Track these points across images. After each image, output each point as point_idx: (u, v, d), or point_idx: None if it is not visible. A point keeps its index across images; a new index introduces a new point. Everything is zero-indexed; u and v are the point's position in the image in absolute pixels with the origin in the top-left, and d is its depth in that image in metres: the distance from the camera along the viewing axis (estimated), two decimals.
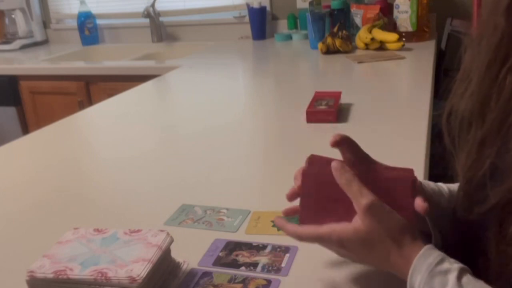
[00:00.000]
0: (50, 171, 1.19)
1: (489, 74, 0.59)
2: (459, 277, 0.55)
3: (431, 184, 0.73)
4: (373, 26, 2.19)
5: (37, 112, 2.58)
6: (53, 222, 0.93)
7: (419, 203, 0.62)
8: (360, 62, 1.99)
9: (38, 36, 3.17)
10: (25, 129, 2.59)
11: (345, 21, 2.31)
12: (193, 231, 0.85)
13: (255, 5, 2.64)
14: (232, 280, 0.71)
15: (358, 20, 2.30)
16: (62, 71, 2.50)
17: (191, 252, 0.77)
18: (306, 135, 1.26)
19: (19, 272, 0.66)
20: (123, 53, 2.79)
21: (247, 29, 2.75)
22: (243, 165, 1.13)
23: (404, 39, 2.18)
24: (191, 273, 0.73)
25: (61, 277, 0.63)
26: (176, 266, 0.72)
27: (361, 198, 0.60)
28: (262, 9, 2.65)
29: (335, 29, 2.17)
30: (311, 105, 1.35)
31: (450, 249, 0.62)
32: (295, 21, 2.68)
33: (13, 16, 3.12)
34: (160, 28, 2.93)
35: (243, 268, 0.73)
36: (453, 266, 0.56)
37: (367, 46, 2.17)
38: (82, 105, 2.34)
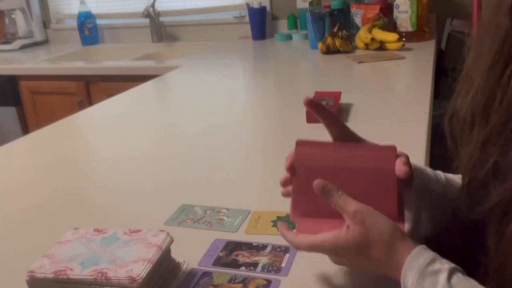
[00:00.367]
0: (50, 171, 1.19)
1: (492, 75, 0.59)
2: (449, 277, 0.55)
3: (428, 170, 0.73)
4: (373, 26, 2.19)
5: (37, 112, 2.58)
6: (53, 222, 0.93)
7: (400, 167, 0.63)
8: (360, 62, 1.99)
9: (38, 36, 3.17)
10: (25, 129, 2.58)
11: (345, 21, 2.31)
12: (193, 231, 0.85)
13: (255, 5, 2.64)
14: (232, 280, 0.71)
15: (358, 20, 2.30)
16: (62, 71, 2.50)
17: (191, 252, 0.77)
18: (306, 135, 1.25)
19: (19, 272, 0.66)
20: (123, 53, 2.79)
21: (247, 29, 2.75)
22: (243, 165, 1.13)
23: (404, 39, 2.18)
24: (191, 273, 0.73)
25: (61, 277, 0.63)
26: (176, 266, 0.72)
27: (347, 207, 0.61)
28: (262, 9, 2.65)
29: (335, 29, 2.17)
30: None
31: (450, 246, 0.62)
32: (295, 21, 2.68)
33: (13, 16, 3.12)
34: (160, 28, 2.93)
35: (243, 268, 0.73)
36: (443, 266, 0.56)
37: (367, 46, 2.17)
38: (82, 105, 2.34)
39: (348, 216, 0.60)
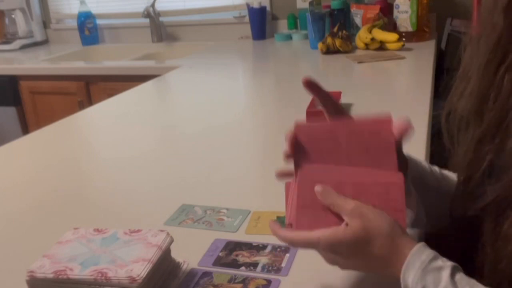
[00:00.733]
0: (50, 171, 1.19)
1: (487, 73, 0.59)
2: (453, 274, 0.55)
3: (424, 163, 0.74)
4: (373, 26, 2.19)
5: (37, 112, 2.58)
6: (53, 222, 0.93)
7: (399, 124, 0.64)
8: (360, 62, 1.99)
9: (38, 36, 3.17)
10: (25, 129, 2.58)
11: (345, 21, 2.31)
12: (193, 231, 0.85)
13: (255, 5, 2.64)
14: (232, 280, 0.71)
15: (358, 20, 2.30)
16: (62, 71, 2.50)
17: (191, 252, 0.77)
18: None
19: (19, 272, 0.66)
20: (123, 53, 2.79)
21: (247, 29, 2.75)
22: (243, 165, 1.13)
23: (404, 39, 2.18)
24: (191, 273, 0.73)
25: (61, 277, 0.63)
26: (176, 266, 0.72)
27: (346, 205, 0.60)
28: (262, 9, 2.65)
29: (335, 29, 2.17)
30: (311, 105, 1.35)
31: (445, 244, 0.62)
32: (295, 21, 2.68)
33: (13, 16, 3.12)
34: (160, 28, 2.93)
35: (243, 268, 0.73)
36: (446, 263, 0.56)
37: (367, 46, 2.17)
38: (82, 105, 2.34)
39: (346, 213, 0.59)
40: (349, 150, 0.64)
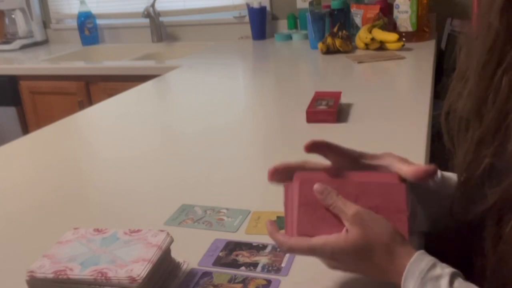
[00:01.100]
0: (50, 171, 1.19)
1: (484, 74, 0.59)
2: (451, 282, 0.55)
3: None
4: (373, 26, 2.19)
5: (37, 112, 2.58)
6: (53, 222, 0.93)
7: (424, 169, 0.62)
8: (360, 62, 1.99)
9: (38, 36, 3.17)
10: (25, 129, 2.58)
11: (345, 21, 2.31)
12: (193, 231, 0.85)
13: (255, 5, 2.64)
14: (232, 280, 0.71)
15: (358, 20, 2.30)
16: (62, 71, 2.50)
17: (191, 252, 0.77)
18: (306, 135, 1.26)
19: (19, 272, 0.66)
20: (123, 53, 2.79)
21: (247, 29, 2.75)
22: (243, 165, 1.13)
23: (404, 39, 2.18)
24: (191, 273, 0.73)
25: (61, 277, 0.63)
26: (176, 266, 0.72)
27: (346, 209, 0.59)
28: (262, 9, 2.65)
29: (335, 29, 2.17)
30: (311, 105, 1.35)
31: (446, 247, 0.62)
32: (295, 21, 2.68)
33: (13, 16, 3.12)
34: (160, 28, 2.93)
35: (243, 268, 0.73)
36: (444, 271, 0.56)
37: (367, 46, 2.17)
38: (82, 105, 2.34)
39: (346, 219, 0.59)
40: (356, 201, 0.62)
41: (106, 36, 3.12)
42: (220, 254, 0.77)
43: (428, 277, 0.55)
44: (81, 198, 1.04)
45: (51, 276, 0.63)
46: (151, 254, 0.66)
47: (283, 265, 0.73)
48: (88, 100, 2.42)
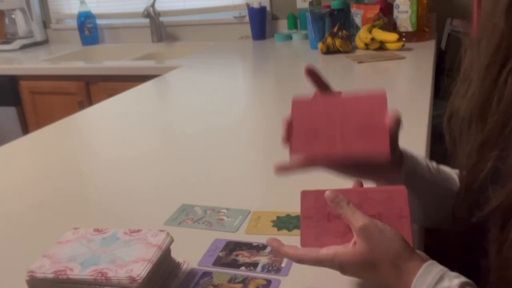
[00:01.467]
0: (50, 171, 1.19)
1: (489, 76, 0.59)
2: None
3: (420, 158, 0.74)
4: (373, 26, 2.19)
5: (37, 112, 2.58)
6: (53, 222, 0.93)
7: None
8: (360, 62, 1.99)
9: (38, 36, 3.17)
10: (25, 129, 2.58)
11: (345, 21, 2.31)
12: (193, 231, 0.85)
13: (255, 5, 2.64)
14: (232, 280, 0.71)
15: (358, 20, 2.30)
16: (62, 71, 2.50)
17: (191, 252, 0.77)
18: None
19: (19, 272, 0.66)
20: (123, 53, 2.79)
21: (247, 29, 2.75)
22: (243, 165, 1.13)
23: (404, 39, 2.18)
24: (191, 273, 0.72)
25: (61, 277, 0.63)
26: (176, 266, 0.72)
27: (355, 221, 0.59)
28: (262, 9, 2.65)
29: (335, 29, 2.17)
30: None
31: (450, 251, 0.62)
32: (295, 21, 2.68)
33: (13, 16, 3.12)
34: (160, 28, 2.93)
35: (243, 268, 0.73)
36: (452, 283, 0.55)
37: (367, 46, 2.17)
38: (82, 105, 2.34)
39: (355, 231, 0.59)
40: (343, 127, 0.65)
41: (106, 36, 3.12)
42: (220, 254, 0.77)
43: None
44: (81, 198, 1.04)
45: (51, 276, 0.63)
46: (151, 254, 0.66)
47: (283, 265, 0.73)
48: (88, 100, 2.42)
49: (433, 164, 0.74)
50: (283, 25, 2.75)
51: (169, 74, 2.14)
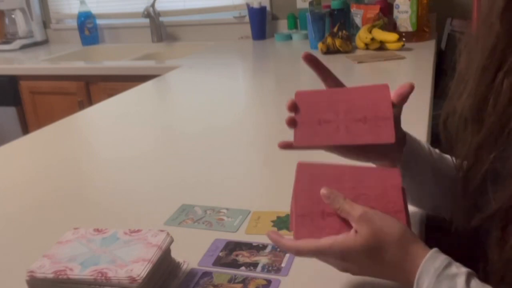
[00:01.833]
0: (50, 171, 1.19)
1: (485, 77, 0.59)
2: (468, 281, 0.54)
3: (422, 142, 0.74)
4: (373, 26, 2.19)
5: (37, 112, 2.58)
6: (53, 222, 0.93)
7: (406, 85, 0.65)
8: (360, 62, 1.99)
9: (38, 36, 3.17)
10: (25, 129, 2.59)
11: (345, 21, 2.31)
12: (193, 231, 0.85)
13: (255, 5, 2.64)
14: (232, 280, 0.71)
15: (358, 20, 2.30)
16: (62, 71, 2.50)
17: (191, 252, 0.77)
18: None
19: (19, 272, 0.66)
20: (123, 53, 2.79)
21: (247, 29, 2.75)
22: (243, 165, 1.13)
23: (404, 39, 2.18)
24: (191, 273, 0.73)
25: (61, 277, 0.63)
26: (176, 266, 0.72)
27: (353, 211, 0.59)
28: (262, 9, 2.65)
29: (335, 29, 2.17)
30: None
31: (450, 252, 0.62)
32: (295, 21, 2.68)
33: (13, 16, 3.12)
34: (160, 28, 2.93)
35: (243, 268, 0.73)
36: (460, 270, 0.55)
37: (367, 46, 2.17)
38: (82, 105, 2.34)
39: (354, 220, 0.58)
40: (347, 116, 0.66)
41: (106, 36, 3.12)
42: (220, 254, 0.77)
43: (444, 275, 0.54)
44: (81, 198, 1.04)
45: (51, 276, 0.63)
46: (151, 254, 0.66)
47: (283, 265, 0.73)
48: (88, 100, 2.42)
49: (437, 150, 0.74)
50: (283, 25, 2.75)
51: (169, 74, 2.14)
